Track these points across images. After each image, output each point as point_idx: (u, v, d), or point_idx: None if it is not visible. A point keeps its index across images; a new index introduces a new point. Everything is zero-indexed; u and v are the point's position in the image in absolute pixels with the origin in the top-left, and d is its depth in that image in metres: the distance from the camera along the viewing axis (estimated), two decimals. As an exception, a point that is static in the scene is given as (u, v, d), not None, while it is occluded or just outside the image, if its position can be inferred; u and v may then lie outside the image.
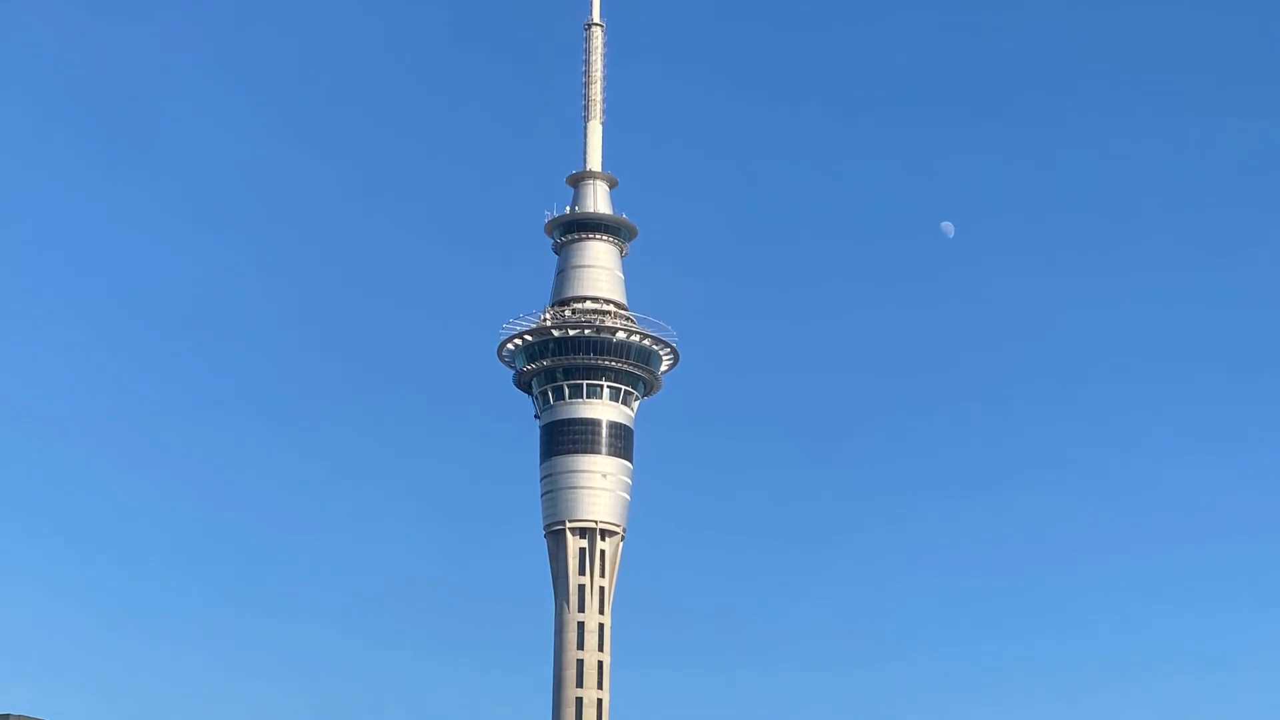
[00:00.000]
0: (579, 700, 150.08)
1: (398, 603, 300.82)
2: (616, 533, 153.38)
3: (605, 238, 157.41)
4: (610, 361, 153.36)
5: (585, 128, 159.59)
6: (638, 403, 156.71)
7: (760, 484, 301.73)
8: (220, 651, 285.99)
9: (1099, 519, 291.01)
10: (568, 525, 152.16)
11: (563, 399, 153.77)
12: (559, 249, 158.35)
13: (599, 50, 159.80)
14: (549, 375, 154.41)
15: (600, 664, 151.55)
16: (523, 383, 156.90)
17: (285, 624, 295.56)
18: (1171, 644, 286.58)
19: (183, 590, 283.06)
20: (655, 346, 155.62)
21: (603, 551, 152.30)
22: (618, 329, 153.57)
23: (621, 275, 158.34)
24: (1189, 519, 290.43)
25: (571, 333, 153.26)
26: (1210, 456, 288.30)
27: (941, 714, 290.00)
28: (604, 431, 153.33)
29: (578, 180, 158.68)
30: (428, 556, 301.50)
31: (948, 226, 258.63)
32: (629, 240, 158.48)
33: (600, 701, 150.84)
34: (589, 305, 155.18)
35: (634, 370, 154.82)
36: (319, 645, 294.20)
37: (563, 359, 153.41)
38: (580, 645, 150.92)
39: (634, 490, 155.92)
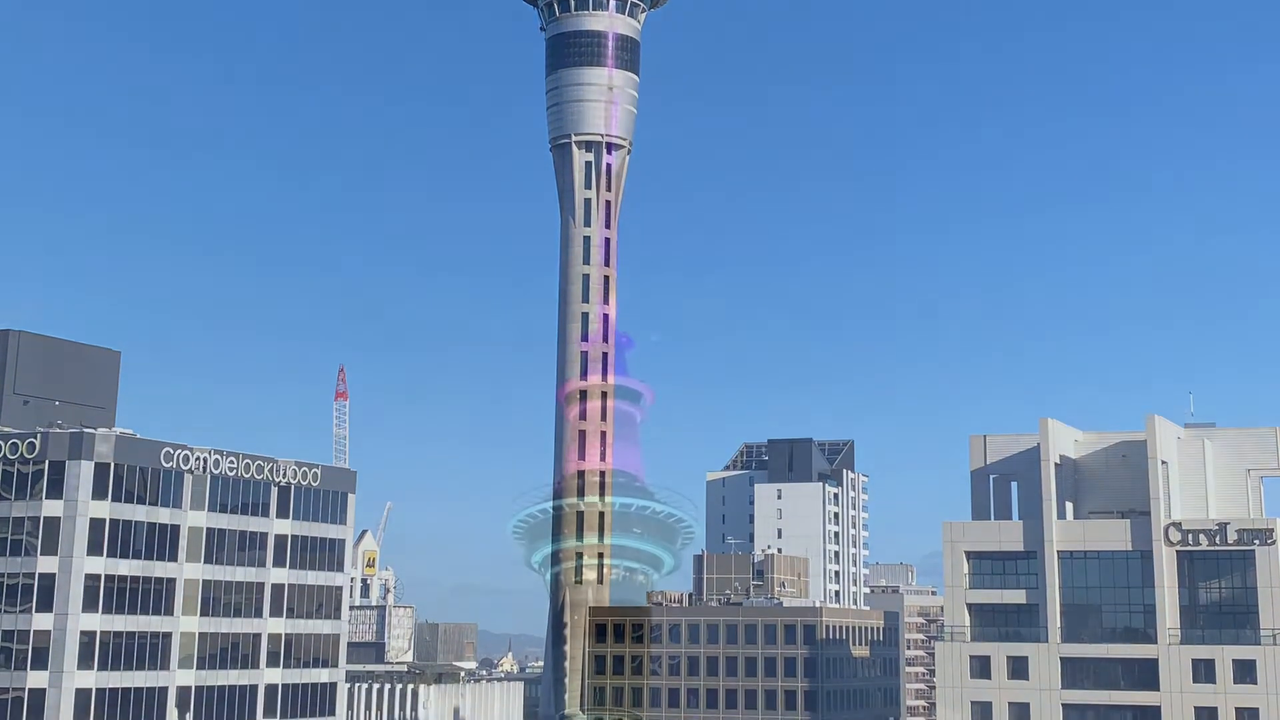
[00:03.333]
0: (585, 315, 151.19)
1: (401, 215, 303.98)
2: (623, 146, 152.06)
3: None
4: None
5: None
6: (644, 14, 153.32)
7: (768, 96, 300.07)
8: (227, 257, 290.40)
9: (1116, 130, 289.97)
10: (573, 139, 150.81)
11: (568, 10, 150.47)
12: None
13: None
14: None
15: (606, 279, 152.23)
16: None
17: (296, 229, 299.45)
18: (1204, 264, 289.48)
19: (185, 193, 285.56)
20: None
21: (609, 165, 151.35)
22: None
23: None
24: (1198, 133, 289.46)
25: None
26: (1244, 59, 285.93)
27: (958, 334, 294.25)
28: (610, 43, 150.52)
29: None
30: (431, 171, 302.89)
31: None
32: None
33: (607, 316, 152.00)
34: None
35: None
36: (328, 256, 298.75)
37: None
38: (586, 259, 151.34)
39: (640, 104, 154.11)
